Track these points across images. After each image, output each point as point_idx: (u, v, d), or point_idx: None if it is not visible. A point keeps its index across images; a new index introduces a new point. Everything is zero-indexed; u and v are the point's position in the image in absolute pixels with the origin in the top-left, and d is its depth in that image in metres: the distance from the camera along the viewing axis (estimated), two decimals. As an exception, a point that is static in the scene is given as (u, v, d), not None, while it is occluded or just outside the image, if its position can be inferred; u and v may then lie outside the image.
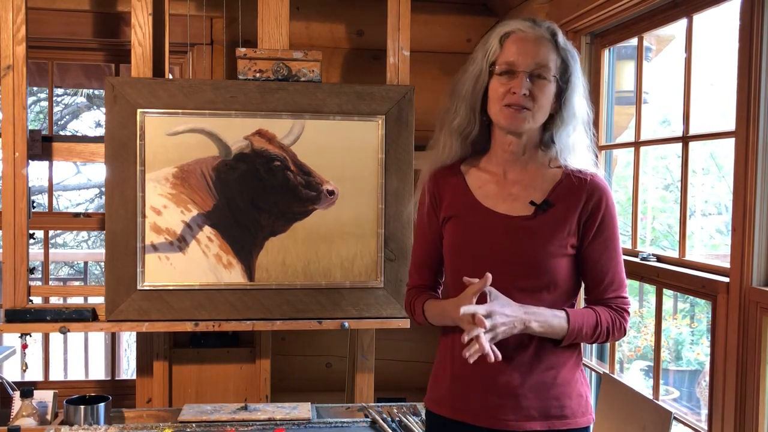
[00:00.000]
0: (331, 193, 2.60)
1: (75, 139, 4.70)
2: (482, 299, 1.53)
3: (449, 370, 1.68)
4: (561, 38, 1.62)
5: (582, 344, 1.70)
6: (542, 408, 1.59)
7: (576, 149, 1.66)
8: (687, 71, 2.21)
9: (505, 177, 1.67)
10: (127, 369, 5.78)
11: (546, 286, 1.59)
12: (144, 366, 2.95)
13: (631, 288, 5.71)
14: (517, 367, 1.59)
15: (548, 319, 1.56)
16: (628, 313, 1.65)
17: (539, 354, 1.60)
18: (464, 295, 1.55)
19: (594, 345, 2.67)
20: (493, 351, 1.47)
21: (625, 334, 1.66)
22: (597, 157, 1.73)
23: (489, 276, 1.51)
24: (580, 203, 1.60)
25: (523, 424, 1.59)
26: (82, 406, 2.43)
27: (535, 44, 1.59)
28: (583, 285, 1.70)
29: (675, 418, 2.08)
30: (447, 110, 1.74)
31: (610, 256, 1.63)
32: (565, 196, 1.61)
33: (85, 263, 5.74)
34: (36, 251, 3.73)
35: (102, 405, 2.46)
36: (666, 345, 5.32)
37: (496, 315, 1.49)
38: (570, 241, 1.60)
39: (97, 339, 5.02)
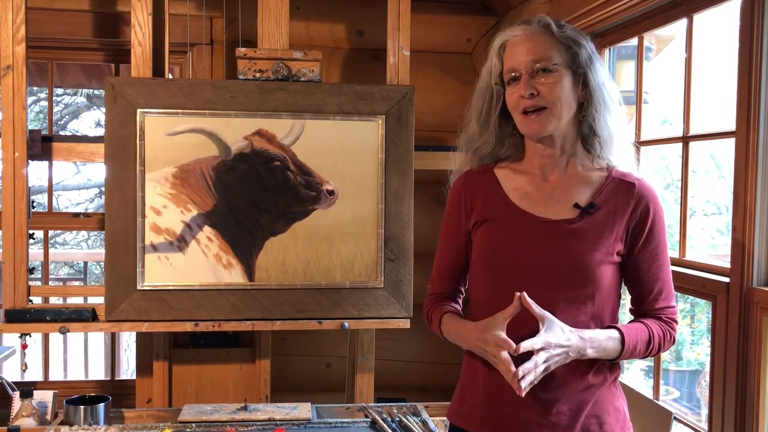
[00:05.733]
0: (331, 193, 2.60)
1: (75, 139, 4.69)
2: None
3: (480, 384, 1.60)
4: (555, 27, 1.55)
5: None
6: (581, 426, 1.53)
7: (617, 137, 1.59)
8: (687, 71, 2.21)
9: (545, 179, 1.60)
10: (127, 369, 5.78)
11: (591, 296, 1.51)
12: (144, 366, 2.95)
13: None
14: (557, 385, 1.52)
15: (603, 343, 1.49)
16: (677, 322, 1.59)
17: (579, 371, 1.53)
18: (492, 321, 1.48)
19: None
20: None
21: (674, 343, 1.60)
22: (638, 150, 1.67)
23: (518, 300, 1.44)
24: (629, 209, 1.53)
25: None
26: (82, 406, 2.43)
27: (529, 41, 1.54)
28: (629, 295, 1.63)
29: (675, 418, 2.08)
30: (470, 138, 1.69)
31: (660, 265, 1.55)
32: (612, 200, 1.54)
33: (85, 263, 5.76)
34: (36, 251, 3.74)
35: (102, 405, 2.46)
36: (666, 345, 5.31)
37: (551, 348, 1.42)
38: (617, 248, 1.53)
39: (97, 339, 5.02)
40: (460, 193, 1.69)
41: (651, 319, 1.57)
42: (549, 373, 1.47)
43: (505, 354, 1.43)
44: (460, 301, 1.74)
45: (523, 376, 1.40)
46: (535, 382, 1.43)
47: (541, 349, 1.42)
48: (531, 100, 1.52)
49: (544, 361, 1.42)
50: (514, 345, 1.42)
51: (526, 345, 1.41)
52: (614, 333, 1.51)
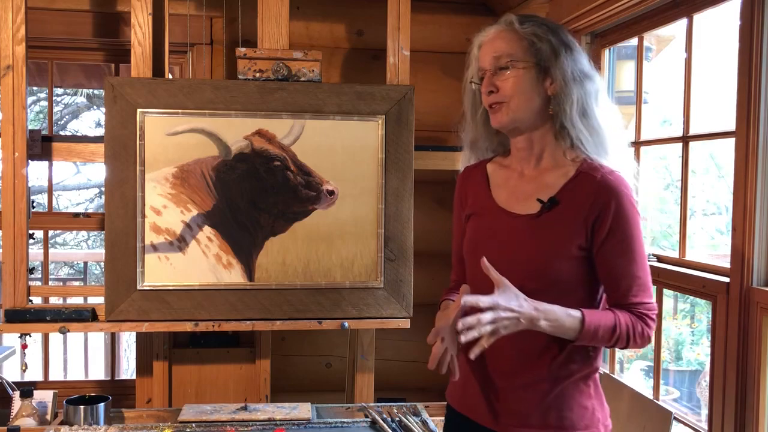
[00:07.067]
0: (331, 193, 2.60)
1: (75, 139, 4.69)
2: (490, 289, 1.46)
3: (462, 367, 1.66)
4: (517, 24, 1.59)
5: (599, 358, 1.63)
6: (540, 415, 1.56)
7: (594, 130, 1.58)
8: (687, 71, 2.21)
9: (522, 174, 1.65)
10: (127, 369, 5.79)
11: (549, 289, 1.53)
12: (144, 366, 2.95)
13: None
14: (521, 372, 1.56)
15: (560, 317, 1.48)
16: (653, 319, 1.55)
17: (542, 360, 1.56)
18: (446, 313, 1.54)
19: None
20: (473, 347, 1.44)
21: (648, 342, 1.56)
22: (624, 138, 1.64)
23: (467, 290, 1.48)
24: (587, 203, 1.53)
25: (508, 428, 1.58)
26: (82, 406, 2.43)
27: (495, 40, 1.60)
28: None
29: (675, 418, 2.08)
30: (466, 133, 1.77)
31: (628, 259, 1.52)
32: (573, 195, 1.55)
33: (85, 263, 5.75)
34: (36, 251, 3.74)
35: (102, 405, 2.46)
36: (666, 345, 5.32)
37: (500, 309, 1.42)
38: (576, 242, 1.53)
39: (97, 339, 5.02)
40: (459, 188, 1.78)
41: (623, 311, 1.54)
42: (510, 359, 1.55)
43: (436, 345, 1.50)
44: None
45: (465, 330, 1.40)
46: (485, 345, 1.42)
47: (489, 309, 1.42)
48: (490, 97, 1.59)
49: (491, 322, 1.42)
50: (437, 342, 1.50)
51: (469, 299, 1.42)
52: (575, 312, 1.49)
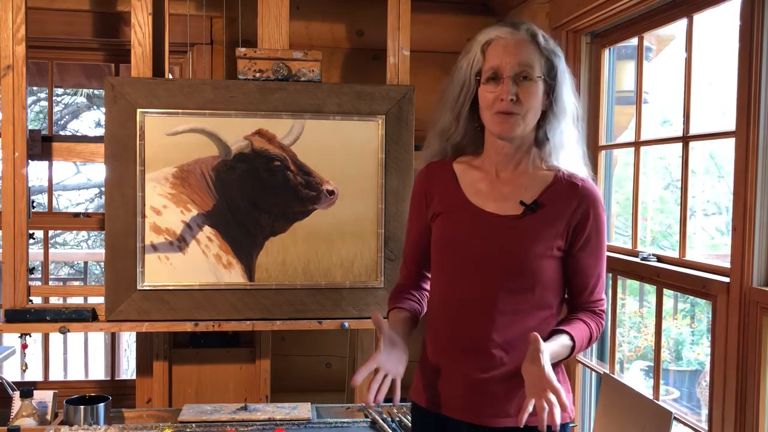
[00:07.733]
0: (331, 193, 2.60)
1: (75, 139, 4.69)
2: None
3: (426, 362, 1.74)
4: (541, 38, 1.62)
5: None
6: (514, 405, 1.59)
7: (567, 146, 1.67)
8: (687, 71, 2.21)
9: (497, 176, 1.67)
10: (127, 369, 5.78)
11: (531, 286, 1.61)
12: (144, 366, 2.95)
13: (631, 288, 5.65)
14: (491, 365, 1.60)
15: (560, 353, 1.58)
16: (605, 312, 1.72)
17: (514, 355, 1.59)
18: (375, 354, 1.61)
19: (594, 345, 2.66)
20: None
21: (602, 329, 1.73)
22: (585, 154, 1.73)
23: (378, 318, 1.58)
24: (570, 208, 1.62)
25: (489, 420, 1.61)
26: (82, 407, 2.43)
27: (517, 47, 1.60)
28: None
29: (675, 418, 2.08)
30: (435, 116, 1.76)
31: (596, 262, 1.66)
32: (556, 199, 1.63)
33: (85, 263, 5.75)
34: (36, 251, 3.73)
35: (102, 405, 2.46)
36: (666, 345, 5.32)
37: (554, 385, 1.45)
38: (557, 244, 1.61)
39: (97, 339, 5.02)
40: (422, 184, 1.77)
41: (587, 314, 1.67)
42: (484, 353, 1.60)
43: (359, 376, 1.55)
44: (425, 285, 1.82)
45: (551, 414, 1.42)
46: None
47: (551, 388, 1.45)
48: (510, 104, 1.57)
49: (558, 398, 1.44)
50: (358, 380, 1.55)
51: (556, 386, 1.43)
52: (567, 340, 1.59)
